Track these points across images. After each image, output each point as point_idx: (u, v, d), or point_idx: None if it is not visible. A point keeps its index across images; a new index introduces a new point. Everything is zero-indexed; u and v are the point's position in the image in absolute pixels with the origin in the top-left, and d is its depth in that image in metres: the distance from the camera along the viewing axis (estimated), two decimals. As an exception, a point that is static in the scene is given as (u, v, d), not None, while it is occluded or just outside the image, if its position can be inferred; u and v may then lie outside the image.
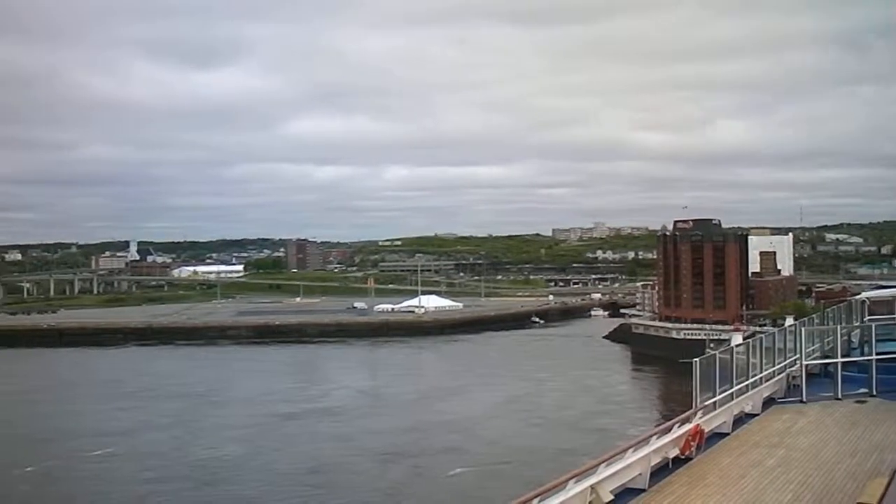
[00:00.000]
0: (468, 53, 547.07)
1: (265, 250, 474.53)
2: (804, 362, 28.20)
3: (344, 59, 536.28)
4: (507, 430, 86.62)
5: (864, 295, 39.61)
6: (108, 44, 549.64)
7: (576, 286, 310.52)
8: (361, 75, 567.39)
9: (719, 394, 22.67)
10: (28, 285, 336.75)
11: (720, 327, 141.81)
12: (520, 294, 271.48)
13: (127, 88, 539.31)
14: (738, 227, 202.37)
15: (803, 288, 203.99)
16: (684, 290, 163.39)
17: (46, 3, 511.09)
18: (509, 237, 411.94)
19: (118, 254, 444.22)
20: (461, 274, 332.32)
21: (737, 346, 25.55)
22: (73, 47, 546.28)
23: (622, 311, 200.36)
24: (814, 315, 36.78)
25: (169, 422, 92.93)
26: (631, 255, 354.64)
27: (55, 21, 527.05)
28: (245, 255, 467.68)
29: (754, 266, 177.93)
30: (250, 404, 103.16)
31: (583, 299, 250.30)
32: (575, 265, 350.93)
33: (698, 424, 20.79)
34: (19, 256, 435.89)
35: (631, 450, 18.38)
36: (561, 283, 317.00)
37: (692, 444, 20.31)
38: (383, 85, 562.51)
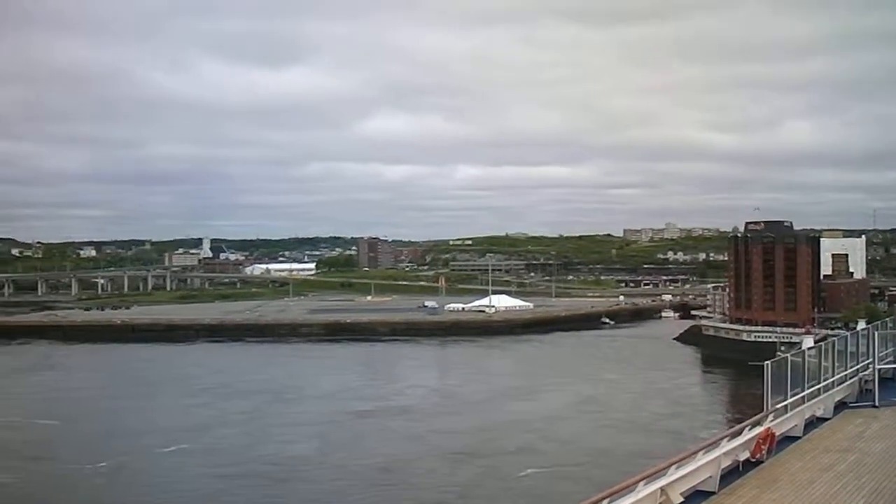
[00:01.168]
0: (537, 52, 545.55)
1: (337, 248, 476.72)
2: (877, 366, 27.98)
3: (412, 57, 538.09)
4: (578, 431, 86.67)
5: None
6: (177, 43, 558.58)
7: (646, 287, 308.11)
8: (430, 74, 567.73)
9: (790, 397, 22.60)
10: (102, 281, 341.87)
11: (791, 330, 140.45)
12: (590, 294, 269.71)
13: (196, 87, 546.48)
14: (810, 229, 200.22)
15: (876, 291, 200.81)
16: (755, 292, 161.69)
17: (116, 3, 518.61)
18: (580, 237, 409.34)
19: (191, 251, 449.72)
20: (532, 274, 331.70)
21: (808, 349, 25.43)
22: (142, 46, 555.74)
23: (693, 312, 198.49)
24: (887, 319, 36.37)
25: (242, 418, 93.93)
26: (702, 256, 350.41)
27: (124, 21, 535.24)
28: (317, 253, 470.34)
29: (826, 268, 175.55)
30: (323, 401, 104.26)
31: (653, 300, 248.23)
32: (646, 266, 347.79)
33: (769, 428, 20.75)
34: (94, 253, 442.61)
35: (701, 452, 18.36)
36: (631, 284, 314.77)
37: (763, 447, 20.30)
38: (452, 84, 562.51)
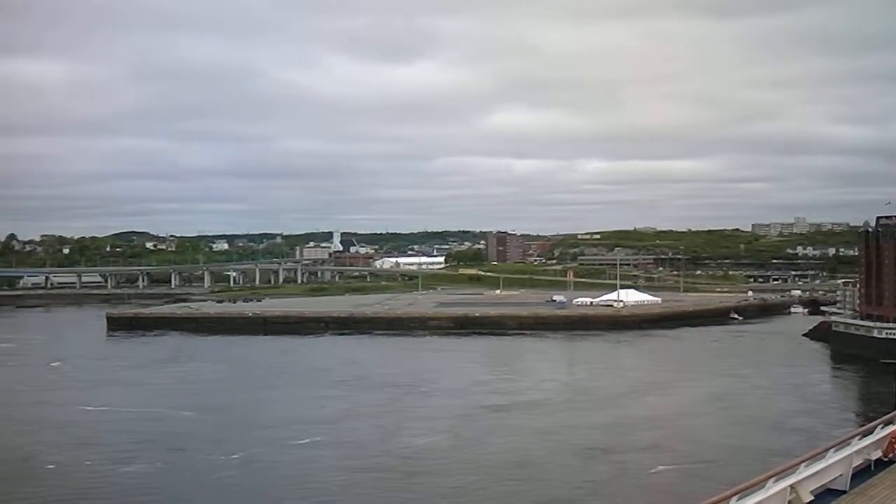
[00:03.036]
0: (662, 46, 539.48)
1: (466, 242, 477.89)
2: None
3: (537, 52, 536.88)
4: (708, 428, 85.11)
5: None
6: (307, 40, 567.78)
7: (775, 282, 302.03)
8: (555, 69, 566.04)
9: None
10: (234, 274, 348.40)
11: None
12: (718, 289, 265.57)
13: (325, 84, 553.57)
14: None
15: None
16: (887, 288, 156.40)
17: (247, 3, 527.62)
18: (709, 232, 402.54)
19: (322, 244, 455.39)
20: (660, 268, 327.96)
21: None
22: (272, 45, 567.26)
23: (822, 308, 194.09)
24: None
25: (375, 411, 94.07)
26: (831, 251, 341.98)
27: (254, 19, 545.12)
28: (446, 246, 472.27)
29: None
30: (455, 395, 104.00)
31: (782, 296, 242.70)
32: (774, 261, 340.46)
33: None
34: (226, 246, 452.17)
35: (832, 450, 17.85)
36: (760, 279, 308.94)
37: None
38: (577, 78, 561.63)
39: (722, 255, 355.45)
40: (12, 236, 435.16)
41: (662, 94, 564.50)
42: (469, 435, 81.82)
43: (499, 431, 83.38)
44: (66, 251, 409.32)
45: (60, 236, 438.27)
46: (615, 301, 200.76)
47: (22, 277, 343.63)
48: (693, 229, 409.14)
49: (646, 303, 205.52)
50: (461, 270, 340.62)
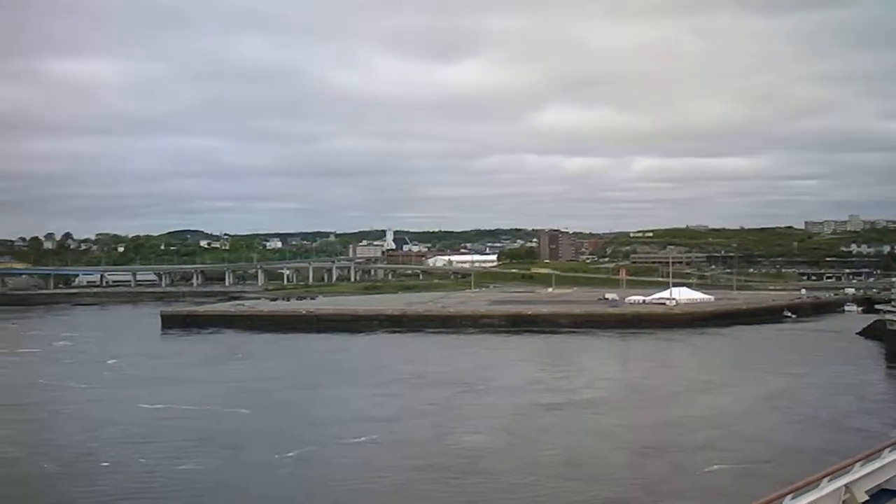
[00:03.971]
0: (712, 42, 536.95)
1: (518, 240, 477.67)
2: None
3: (587, 50, 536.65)
4: (764, 427, 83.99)
5: None
6: (355, 39, 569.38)
7: (828, 280, 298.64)
8: (605, 66, 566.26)
9: None
10: (288, 272, 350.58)
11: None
12: (771, 287, 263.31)
13: (375, 83, 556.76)
14: None
15: None
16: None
17: (296, 3, 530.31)
18: (761, 229, 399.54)
19: (375, 242, 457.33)
20: (712, 266, 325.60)
21: None
22: (321, 44, 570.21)
23: (876, 306, 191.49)
24: None
25: (432, 409, 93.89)
26: (886, 248, 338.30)
27: (304, 19, 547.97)
28: (498, 244, 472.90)
29: None
30: (510, 393, 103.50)
31: (836, 294, 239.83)
32: (828, 259, 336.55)
33: None
34: (279, 244, 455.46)
35: (888, 449, 17.50)
36: (814, 277, 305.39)
37: None
38: (627, 76, 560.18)
39: (775, 253, 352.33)
40: (68, 235, 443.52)
41: (712, 90, 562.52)
42: (524, 433, 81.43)
43: (554, 430, 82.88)
44: (120, 249, 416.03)
45: (115, 235, 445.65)
46: (668, 299, 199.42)
47: (77, 276, 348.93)
48: (746, 227, 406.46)
49: (698, 301, 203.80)
50: (513, 268, 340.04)
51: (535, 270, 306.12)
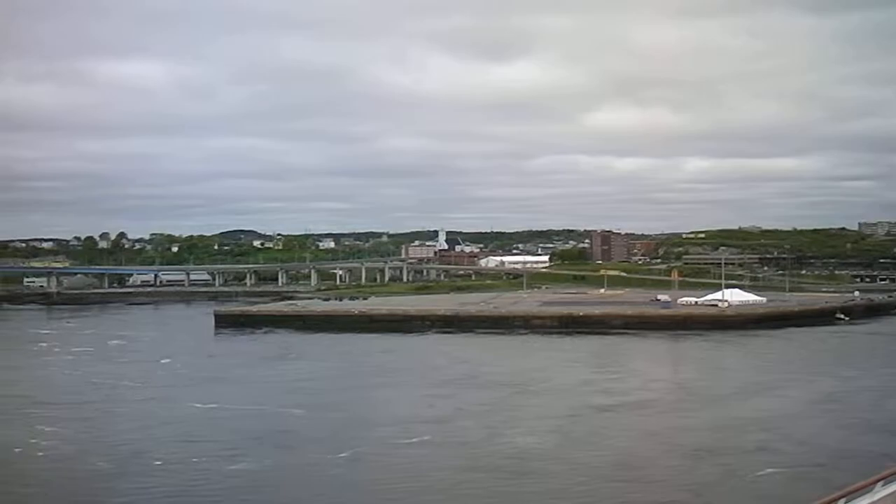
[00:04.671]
0: (760, 42, 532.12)
1: (570, 241, 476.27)
2: None
3: (637, 50, 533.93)
4: (817, 430, 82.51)
5: None
6: (405, 39, 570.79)
7: (882, 282, 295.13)
8: (654, 66, 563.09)
9: None
10: (341, 272, 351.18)
11: None
12: (824, 289, 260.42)
13: (426, 83, 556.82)
14: None
15: None
16: None
17: (344, 2, 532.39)
18: (814, 231, 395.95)
19: (427, 243, 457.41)
20: (765, 268, 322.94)
21: None
22: (371, 43, 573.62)
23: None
24: None
25: (483, 410, 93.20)
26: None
27: (354, 19, 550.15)
28: (550, 245, 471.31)
29: None
30: (562, 395, 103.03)
31: (889, 296, 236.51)
32: (882, 260, 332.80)
33: None
34: (332, 244, 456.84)
35: None
36: (867, 279, 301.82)
37: None
38: (676, 76, 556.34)
39: (828, 255, 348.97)
40: (122, 234, 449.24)
41: (762, 91, 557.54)
42: (576, 435, 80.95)
43: (606, 432, 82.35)
44: (174, 249, 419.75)
45: (169, 235, 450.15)
46: (720, 301, 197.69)
47: (132, 275, 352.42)
48: (798, 228, 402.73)
49: (750, 302, 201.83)
50: (565, 269, 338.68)
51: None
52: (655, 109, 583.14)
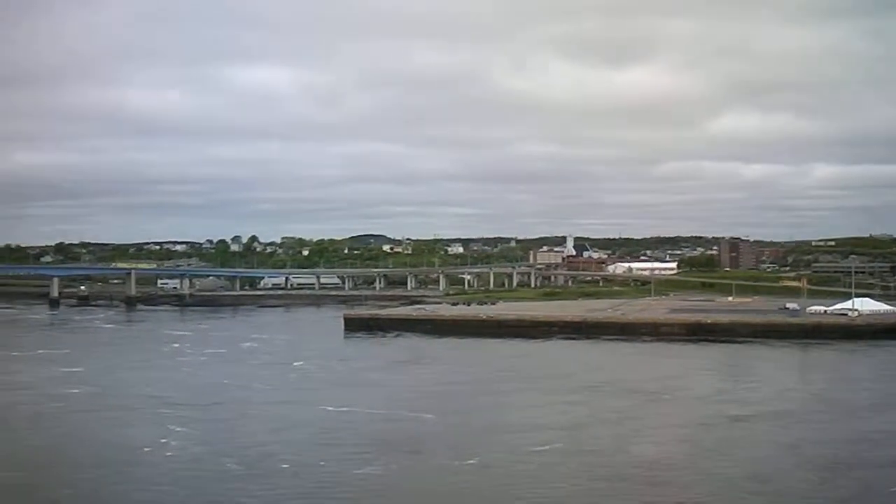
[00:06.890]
0: (888, 46, 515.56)
1: (698, 248, 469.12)
2: None
3: (760, 54, 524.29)
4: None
5: None
6: (529, 45, 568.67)
7: None
8: (778, 71, 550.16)
9: None
10: (469, 277, 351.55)
11: None
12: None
13: (550, 88, 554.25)
14: None
15: None
16: None
17: (467, 8, 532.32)
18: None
19: (555, 249, 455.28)
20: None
21: None
22: (496, 49, 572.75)
23: None
24: None
25: (615, 417, 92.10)
26: None
27: (478, 25, 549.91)
28: (678, 252, 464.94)
29: None
30: (694, 403, 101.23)
31: None
32: None
33: None
34: (461, 249, 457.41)
35: None
36: None
37: None
38: (801, 80, 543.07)
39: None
40: (254, 238, 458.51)
41: (890, 95, 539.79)
42: (709, 445, 79.14)
43: (740, 442, 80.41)
44: (305, 253, 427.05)
45: (300, 238, 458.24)
46: (850, 310, 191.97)
47: (263, 278, 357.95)
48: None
49: (882, 312, 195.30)
50: (693, 277, 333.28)
51: (715, 279, 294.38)
52: (783, 115, 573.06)
